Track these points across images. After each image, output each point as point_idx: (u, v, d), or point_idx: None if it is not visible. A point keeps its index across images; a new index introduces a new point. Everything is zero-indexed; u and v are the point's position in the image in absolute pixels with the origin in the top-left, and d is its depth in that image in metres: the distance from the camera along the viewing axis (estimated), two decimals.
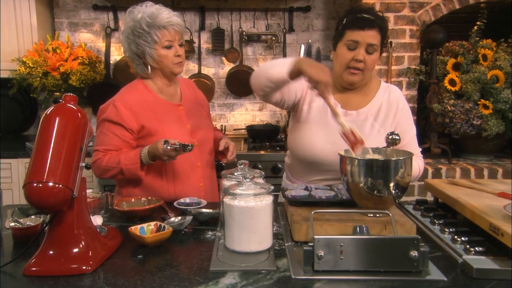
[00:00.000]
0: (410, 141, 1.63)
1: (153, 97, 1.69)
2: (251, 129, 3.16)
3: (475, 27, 2.65)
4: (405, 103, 1.66)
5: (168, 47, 1.63)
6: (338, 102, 1.61)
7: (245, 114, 3.40)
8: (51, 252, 1.08)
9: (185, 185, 1.68)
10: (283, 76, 1.42)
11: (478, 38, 2.64)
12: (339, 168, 1.37)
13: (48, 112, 1.10)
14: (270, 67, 1.48)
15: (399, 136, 1.33)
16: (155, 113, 1.66)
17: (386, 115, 1.61)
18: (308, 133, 1.61)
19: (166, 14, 1.60)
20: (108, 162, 1.60)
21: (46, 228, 1.11)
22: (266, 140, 3.01)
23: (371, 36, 1.49)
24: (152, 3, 1.64)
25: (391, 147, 1.34)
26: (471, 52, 2.64)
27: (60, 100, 1.14)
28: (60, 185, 1.02)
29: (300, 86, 1.62)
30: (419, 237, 1.02)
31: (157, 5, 1.63)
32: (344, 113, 1.60)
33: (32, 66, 2.72)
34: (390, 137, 1.33)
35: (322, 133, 1.59)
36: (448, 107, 2.59)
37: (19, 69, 2.77)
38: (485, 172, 2.54)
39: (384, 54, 2.77)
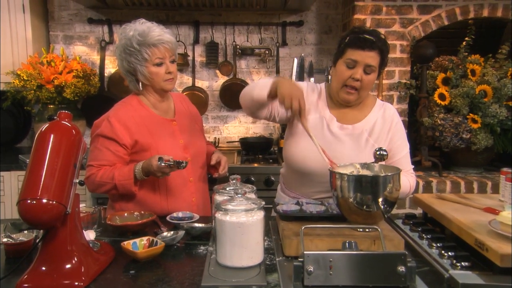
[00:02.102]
0: (402, 157, 1.66)
1: (147, 112, 1.71)
2: (244, 141, 3.18)
3: (464, 43, 2.71)
4: (399, 121, 1.70)
5: (159, 65, 1.64)
6: (334, 116, 1.65)
7: (238, 127, 3.42)
8: (43, 268, 1.09)
9: (177, 200, 1.70)
10: (263, 98, 1.52)
11: (466, 54, 2.70)
12: (327, 180, 1.41)
13: (43, 129, 1.11)
14: (253, 88, 1.57)
15: (386, 152, 1.36)
16: (149, 128, 1.68)
17: (380, 131, 1.64)
18: (302, 145, 1.63)
19: (157, 32, 1.61)
20: (102, 178, 1.61)
21: (39, 244, 1.12)
22: (259, 153, 3.03)
23: (370, 57, 1.52)
24: (145, 20, 1.66)
25: (379, 163, 1.37)
26: (460, 67, 2.70)
27: (55, 117, 1.16)
28: (54, 202, 1.03)
29: None
30: (406, 253, 1.05)
31: (149, 23, 1.65)
32: (340, 126, 1.64)
33: (26, 79, 2.74)
34: (378, 152, 1.37)
35: (311, 143, 1.61)
36: (438, 120, 2.63)
37: (14, 82, 2.78)
38: (475, 185, 2.57)
39: None
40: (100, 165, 1.63)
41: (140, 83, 1.69)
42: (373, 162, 1.38)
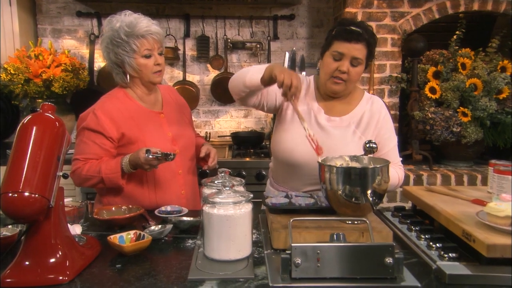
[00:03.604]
0: (390, 150, 1.66)
1: (133, 105, 1.69)
2: (235, 136, 3.16)
3: (454, 36, 2.72)
4: (387, 114, 1.70)
5: (147, 56, 1.62)
6: (322, 108, 1.65)
7: (230, 121, 3.41)
8: (27, 262, 1.07)
9: (166, 193, 1.68)
10: (257, 82, 1.50)
11: (457, 47, 2.71)
12: (315, 173, 1.43)
13: (25, 121, 1.09)
14: (245, 73, 1.55)
15: (376, 145, 1.36)
16: (136, 121, 1.66)
17: (367, 124, 1.64)
18: (290, 137, 1.63)
19: (144, 23, 1.60)
20: (88, 171, 1.58)
21: (22, 238, 1.10)
22: (251, 147, 3.02)
23: (357, 50, 1.51)
24: (131, 12, 1.64)
25: (368, 155, 1.36)
26: (451, 60, 2.70)
27: (38, 109, 1.14)
28: (36, 195, 1.01)
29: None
30: (394, 244, 1.04)
31: (136, 14, 1.63)
32: (327, 118, 1.64)
33: (13, 73, 2.69)
34: (367, 145, 1.36)
35: (304, 137, 1.59)
36: (429, 114, 2.64)
37: (0, 76, 2.73)
38: (465, 178, 2.59)
39: None
40: (86, 159, 1.61)
41: (128, 76, 1.67)
42: (362, 155, 1.37)
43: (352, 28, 1.52)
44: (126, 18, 1.60)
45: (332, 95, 1.64)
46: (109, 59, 1.66)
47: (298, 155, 1.60)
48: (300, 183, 1.66)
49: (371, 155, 1.37)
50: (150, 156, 1.50)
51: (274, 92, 1.64)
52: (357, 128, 1.63)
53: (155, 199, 1.66)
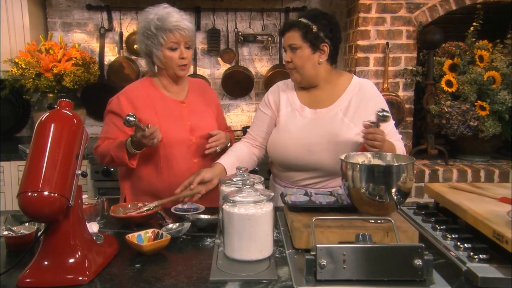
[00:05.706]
0: (390, 130, 1.66)
1: (157, 93, 1.76)
2: (247, 130, 3.12)
3: (471, 28, 2.65)
4: (377, 94, 1.69)
5: (173, 49, 1.67)
6: (308, 102, 1.69)
7: (241, 115, 3.37)
8: (46, 262, 1.05)
9: (180, 181, 1.65)
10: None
11: (474, 39, 2.64)
12: (310, 168, 1.62)
13: (43, 119, 1.07)
14: None
15: (389, 113, 1.38)
16: (156, 108, 1.73)
17: (356, 109, 1.63)
18: (277, 137, 1.70)
19: (175, 18, 1.65)
20: (103, 149, 1.69)
21: (41, 237, 1.08)
22: None
23: (289, 38, 1.62)
24: (168, 5, 1.72)
25: (381, 123, 1.39)
26: (468, 53, 2.64)
27: (55, 106, 1.11)
28: (56, 194, 0.99)
29: (268, 115, 1.76)
30: (424, 245, 1.01)
31: (171, 8, 1.70)
32: (313, 112, 1.66)
33: (24, 67, 2.67)
34: (380, 114, 1.38)
35: (288, 135, 1.66)
36: (445, 108, 2.58)
37: (11, 70, 2.72)
38: (482, 173, 2.54)
39: (381, 55, 2.76)
40: (106, 138, 1.71)
41: (156, 66, 1.74)
42: (374, 122, 1.40)
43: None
44: (160, 11, 1.66)
45: (300, 85, 1.69)
46: (140, 49, 1.75)
47: (288, 154, 1.65)
48: (296, 178, 1.70)
49: (384, 124, 1.44)
50: (130, 118, 1.46)
51: (267, 119, 1.76)
52: (344, 116, 1.63)
53: (169, 186, 1.65)
